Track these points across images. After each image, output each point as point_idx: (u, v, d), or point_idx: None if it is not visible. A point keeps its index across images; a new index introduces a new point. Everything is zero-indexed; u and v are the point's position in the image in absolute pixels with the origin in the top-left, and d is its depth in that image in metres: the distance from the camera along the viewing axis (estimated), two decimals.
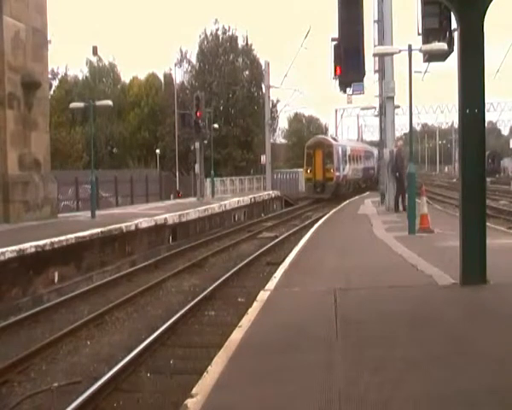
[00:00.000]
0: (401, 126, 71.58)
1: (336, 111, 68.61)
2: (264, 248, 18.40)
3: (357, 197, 36.01)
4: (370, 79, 27.96)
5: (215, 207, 26.82)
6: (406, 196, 17.60)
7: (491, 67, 38.79)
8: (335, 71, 13.62)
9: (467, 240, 8.32)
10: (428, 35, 13.26)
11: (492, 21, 11.70)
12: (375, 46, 21.49)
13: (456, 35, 10.96)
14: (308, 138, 47.99)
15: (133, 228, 17.82)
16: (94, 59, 58.86)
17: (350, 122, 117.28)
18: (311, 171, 41.17)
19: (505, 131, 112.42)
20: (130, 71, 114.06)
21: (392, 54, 18.50)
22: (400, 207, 20.56)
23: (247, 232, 23.98)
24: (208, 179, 38.19)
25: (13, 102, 18.81)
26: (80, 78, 60.36)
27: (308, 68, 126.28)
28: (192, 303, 10.97)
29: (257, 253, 17.36)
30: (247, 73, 55.30)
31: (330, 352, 5.80)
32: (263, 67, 48.88)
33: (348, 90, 24.09)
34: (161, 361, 8.17)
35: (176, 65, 53.24)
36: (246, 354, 5.97)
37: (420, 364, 5.38)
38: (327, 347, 5.95)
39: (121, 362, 7.63)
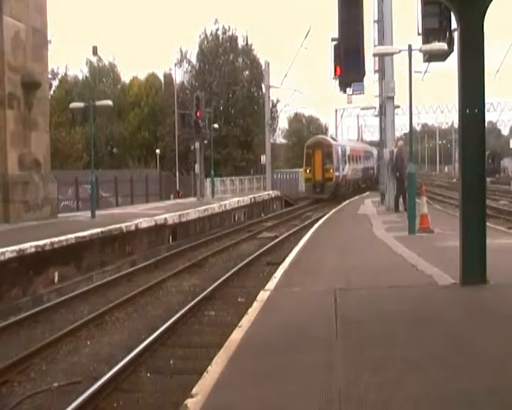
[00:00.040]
0: (401, 126, 71.66)
1: (336, 111, 68.68)
2: (264, 248, 18.39)
3: (357, 197, 36.01)
4: (370, 79, 28.00)
5: (215, 207, 26.82)
6: (407, 196, 17.59)
7: (491, 67, 38.81)
8: (335, 71, 13.62)
9: (467, 240, 8.32)
10: (428, 35, 13.26)
11: (492, 21, 11.71)
12: (375, 46, 21.49)
13: (456, 35, 10.96)
14: (308, 138, 47.95)
15: (133, 228, 17.82)
16: (94, 59, 58.97)
17: (350, 122, 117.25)
18: (311, 171, 41.07)
19: (505, 131, 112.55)
20: (130, 71, 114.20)
21: (392, 54, 18.50)
22: (401, 208, 20.53)
23: (247, 232, 23.98)
24: (208, 179, 38.20)
25: (13, 102, 18.81)
26: (80, 78, 60.46)
27: (308, 68, 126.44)
28: (192, 303, 10.97)
29: (257, 253, 17.36)
30: (247, 73, 55.30)
31: (330, 352, 5.80)
32: (263, 67, 48.88)
33: (348, 90, 24.09)
34: (161, 361, 8.17)
35: (176, 65, 53.32)
36: (246, 354, 5.97)
37: (420, 364, 5.38)
38: (327, 347, 5.95)
39: (121, 362, 7.63)
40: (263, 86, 49.30)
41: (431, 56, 14.40)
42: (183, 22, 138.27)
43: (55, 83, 55.03)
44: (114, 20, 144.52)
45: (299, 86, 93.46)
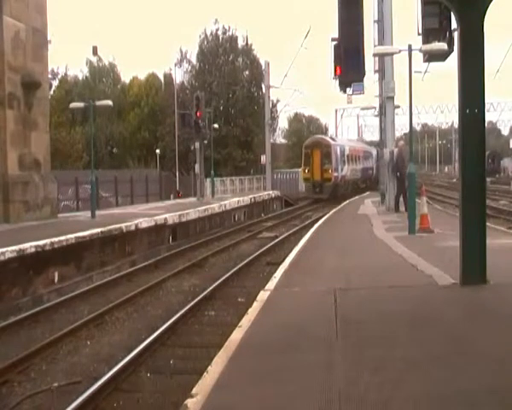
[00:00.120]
0: (401, 126, 71.69)
1: (336, 111, 68.74)
2: (264, 248, 18.39)
3: (357, 197, 36.00)
4: (370, 79, 28.00)
5: (215, 207, 26.82)
6: (407, 196, 17.59)
7: (491, 67, 38.81)
8: (335, 71, 13.62)
9: (467, 240, 8.32)
10: (428, 35, 13.26)
11: (492, 21, 11.71)
12: (375, 46, 21.49)
13: (456, 35, 10.96)
14: (308, 138, 47.91)
15: (133, 228, 17.82)
16: (94, 59, 58.99)
17: (350, 122, 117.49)
18: (309, 171, 40.91)
19: (505, 131, 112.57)
20: (130, 71, 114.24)
21: (392, 54, 18.50)
22: (401, 208, 20.50)
23: (247, 232, 23.98)
24: (208, 179, 38.20)
25: (13, 102, 18.81)
26: (80, 78, 60.48)
27: (308, 68, 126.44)
28: (192, 303, 10.97)
29: (257, 253, 17.36)
30: (247, 73, 55.31)
31: (330, 352, 5.80)
32: (263, 67, 48.88)
33: (348, 90, 24.10)
34: (161, 361, 8.17)
35: (176, 65, 53.34)
36: (246, 354, 5.97)
37: (420, 364, 5.38)
38: (327, 347, 5.95)
39: (121, 362, 7.64)
40: (263, 86, 49.30)
41: (431, 56, 14.40)
42: (183, 22, 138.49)
43: (55, 83, 55.06)
44: (114, 20, 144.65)
45: (299, 86, 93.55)
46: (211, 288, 12.24)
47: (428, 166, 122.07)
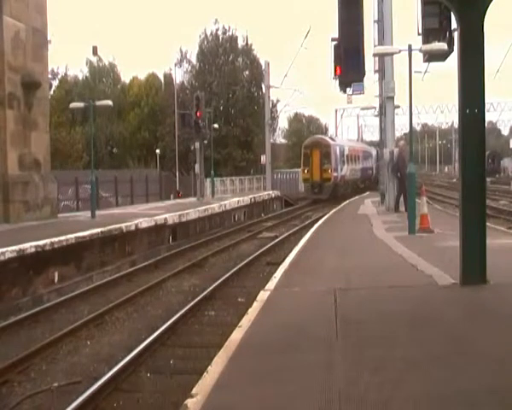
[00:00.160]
0: (401, 126, 71.67)
1: (336, 111, 68.65)
2: (264, 248, 18.40)
3: (357, 197, 36.00)
4: (370, 79, 28.00)
5: (215, 207, 26.82)
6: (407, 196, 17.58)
7: (491, 67, 38.81)
8: (335, 71, 13.62)
9: (467, 240, 8.32)
10: (428, 35, 13.26)
11: (492, 21, 11.71)
12: (375, 46, 21.49)
13: (456, 35, 10.96)
14: (307, 138, 47.86)
15: (133, 228, 17.82)
16: (94, 59, 58.98)
17: (350, 122, 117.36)
18: (309, 171, 40.76)
19: (505, 131, 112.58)
20: (130, 71, 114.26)
21: (392, 54, 18.50)
22: (401, 208, 20.49)
23: (247, 232, 23.98)
24: (208, 179, 38.20)
25: (13, 102, 18.81)
26: (80, 78, 60.50)
27: (308, 68, 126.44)
28: (192, 303, 10.97)
29: (257, 253, 17.36)
30: (247, 73, 55.31)
31: (330, 352, 5.80)
32: (263, 67, 48.88)
33: (348, 90, 24.10)
34: (161, 361, 8.17)
35: (176, 65, 53.34)
36: (246, 354, 5.97)
37: (420, 364, 5.38)
38: (327, 347, 5.95)
39: (121, 362, 7.64)
40: (263, 86, 49.30)
41: (431, 56, 14.40)
42: (183, 22, 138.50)
43: (55, 83, 55.06)
44: (114, 20, 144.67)
45: (299, 86, 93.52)
46: (211, 288, 12.24)
47: (428, 166, 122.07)
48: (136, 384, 7.37)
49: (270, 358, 5.77)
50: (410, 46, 14.82)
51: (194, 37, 73.36)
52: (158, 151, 51.80)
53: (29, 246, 12.73)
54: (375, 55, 19.41)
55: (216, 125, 41.48)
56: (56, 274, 13.60)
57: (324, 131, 76.05)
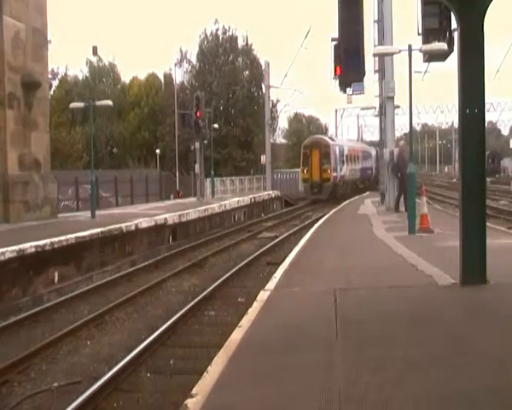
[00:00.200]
0: (401, 126, 71.66)
1: (336, 111, 68.67)
2: (264, 248, 18.40)
3: (357, 197, 36.00)
4: (370, 79, 27.99)
5: (215, 207, 26.82)
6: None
7: (491, 67, 38.81)
8: (335, 71, 13.62)
9: (467, 240, 8.32)
10: (428, 35, 13.26)
11: (492, 21, 11.71)
12: (375, 46, 21.49)
13: (456, 35, 10.96)
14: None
15: (133, 228, 17.82)
16: (94, 59, 59.00)
17: (350, 122, 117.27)
18: (308, 171, 40.59)
19: (505, 131, 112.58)
20: (130, 71, 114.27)
21: (392, 54, 18.50)
22: (402, 208, 20.47)
23: (247, 232, 23.98)
24: (208, 179, 38.19)
25: (13, 102, 18.81)
26: (80, 78, 60.51)
27: (308, 68, 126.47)
28: (192, 303, 10.97)
29: (257, 253, 17.36)
30: (247, 73, 55.32)
31: (330, 352, 5.80)
32: (263, 67, 48.88)
33: (348, 90, 24.10)
34: (161, 361, 8.17)
35: (176, 65, 53.35)
36: (246, 354, 5.97)
37: (420, 364, 5.38)
38: (327, 347, 5.95)
39: (121, 362, 7.64)
40: (263, 86, 49.30)
41: (431, 56, 14.40)
42: (183, 22, 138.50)
43: (55, 83, 55.07)
44: (114, 20, 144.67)
45: (299, 86, 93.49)
46: (211, 288, 12.24)
47: (428, 166, 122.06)
48: (136, 384, 7.37)
49: (270, 358, 5.77)
50: (410, 46, 14.82)
51: (194, 37, 73.47)
52: (158, 151, 51.81)
53: (29, 246, 12.73)
54: (375, 55, 19.41)
55: (216, 125, 41.47)
56: (56, 274, 13.60)
57: (324, 131, 76.10)
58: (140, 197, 36.68)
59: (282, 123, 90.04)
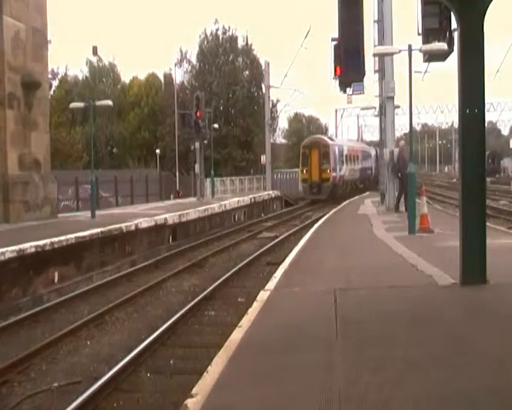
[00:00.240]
0: (401, 126, 71.66)
1: (336, 111, 68.68)
2: (264, 248, 18.40)
3: (356, 197, 36.01)
4: (370, 79, 27.98)
5: (215, 207, 26.82)
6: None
7: (491, 67, 38.80)
8: (335, 71, 13.62)
9: (467, 240, 8.32)
10: (428, 35, 13.26)
11: (492, 21, 11.71)
12: (375, 46, 21.49)
13: (456, 35, 10.96)
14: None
15: (133, 228, 17.82)
16: (94, 59, 58.99)
17: (350, 122, 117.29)
18: (307, 171, 40.42)
19: (505, 131, 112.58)
20: (130, 71, 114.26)
21: (392, 54, 18.50)
22: (402, 208, 20.45)
23: (247, 232, 23.98)
24: (208, 179, 38.19)
25: (13, 102, 18.81)
26: (80, 78, 60.50)
27: (308, 68, 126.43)
28: (192, 303, 10.97)
29: (257, 253, 17.36)
30: (247, 73, 55.31)
31: (330, 352, 5.80)
32: (263, 67, 48.88)
33: (348, 90, 24.10)
34: (161, 361, 8.17)
35: (176, 65, 53.34)
36: (246, 354, 5.98)
37: (420, 364, 5.38)
38: (327, 347, 5.96)
39: (121, 362, 7.64)
40: (263, 86, 49.29)
41: (431, 56, 14.40)
42: (183, 22, 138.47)
43: (55, 83, 55.06)
44: (114, 20, 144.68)
45: (299, 86, 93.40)
46: (211, 288, 12.24)
47: (428, 166, 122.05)
48: (136, 384, 7.37)
49: (270, 358, 5.77)
50: (410, 46, 14.83)
51: (194, 37, 73.46)
52: (158, 151, 51.81)
53: (29, 246, 12.73)
54: (375, 55, 19.41)
55: (216, 125, 41.46)
56: (56, 274, 13.60)
57: (324, 131, 76.09)
58: (140, 197, 36.68)
59: (282, 123, 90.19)
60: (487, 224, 9.21)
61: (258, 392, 4.91)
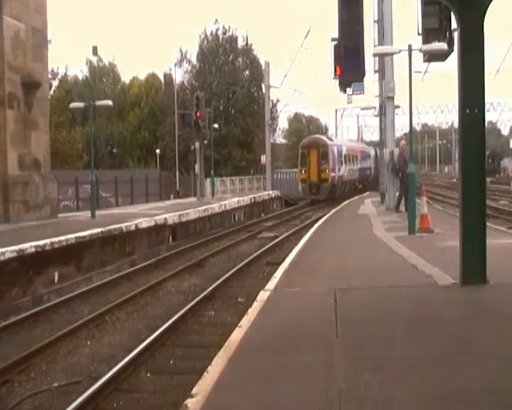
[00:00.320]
0: (401, 126, 71.75)
1: (336, 111, 68.66)
2: (265, 248, 18.39)
3: (356, 197, 36.01)
4: (370, 79, 27.99)
5: (215, 207, 26.82)
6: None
7: (491, 67, 38.81)
8: (335, 71, 13.63)
9: (467, 240, 8.32)
10: (428, 35, 13.27)
11: (492, 21, 11.71)
12: (375, 46, 21.50)
13: (456, 35, 10.96)
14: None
15: (133, 228, 17.82)
16: (94, 59, 59.02)
17: (350, 122, 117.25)
18: (306, 171, 40.22)
19: (505, 131, 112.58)
20: (130, 71, 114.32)
21: (392, 54, 18.50)
22: (402, 208, 20.45)
23: (247, 232, 23.98)
24: (208, 179, 38.18)
25: (13, 102, 18.80)
26: (80, 78, 60.55)
27: (308, 68, 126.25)
28: (192, 303, 10.97)
29: (257, 253, 17.36)
30: (247, 73, 55.30)
31: (330, 352, 5.80)
32: (263, 67, 48.88)
33: (348, 90, 24.16)
34: (161, 361, 8.17)
35: (176, 65, 53.34)
36: (246, 354, 5.98)
37: (420, 364, 5.38)
38: (327, 347, 5.96)
39: (121, 362, 7.64)
40: (263, 86, 49.28)
41: (431, 56, 14.40)
42: (183, 22, 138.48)
43: (55, 83, 55.08)
44: (114, 20, 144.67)
45: (299, 86, 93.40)
46: (211, 288, 12.24)
47: (428, 166, 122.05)
48: (136, 384, 7.37)
49: (270, 358, 5.77)
50: (410, 46, 14.83)
51: (194, 37, 73.50)
52: (158, 151, 51.81)
53: (29, 246, 12.72)
54: (375, 55, 19.41)
55: (216, 125, 41.42)
56: (56, 274, 13.60)
57: (324, 131, 76.10)
58: (140, 197, 36.66)
59: (282, 123, 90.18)
60: (487, 224, 9.22)
61: (258, 392, 4.91)
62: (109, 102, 24.94)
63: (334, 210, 26.84)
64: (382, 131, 24.58)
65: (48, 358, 8.45)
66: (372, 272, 10.04)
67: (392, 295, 8.30)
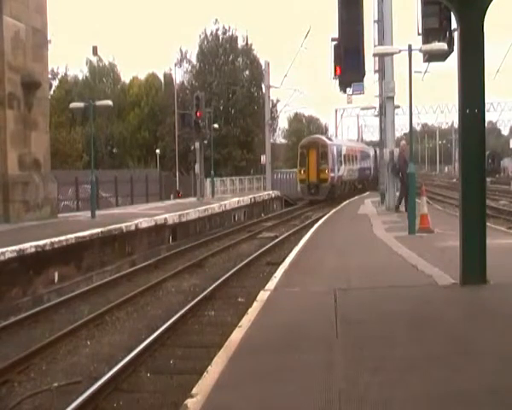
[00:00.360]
0: (401, 126, 71.72)
1: (336, 111, 68.66)
2: (265, 248, 18.39)
3: (356, 197, 36.00)
4: (370, 79, 27.98)
5: (215, 207, 26.82)
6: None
7: (491, 67, 38.81)
8: (335, 71, 13.63)
9: (467, 240, 8.32)
10: (428, 35, 13.27)
11: (492, 21, 11.71)
12: (375, 46, 21.50)
13: (456, 35, 10.96)
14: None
15: (133, 228, 17.82)
16: (94, 59, 59.02)
17: (350, 122, 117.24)
18: (305, 172, 40.04)
19: (505, 131, 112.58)
20: (130, 71, 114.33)
21: (392, 54, 18.50)
22: (402, 208, 20.44)
23: (247, 232, 23.98)
24: (208, 179, 38.18)
25: (13, 102, 18.80)
26: (80, 78, 60.55)
27: (308, 68, 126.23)
28: (192, 303, 10.97)
29: (257, 253, 17.36)
30: (247, 73, 55.30)
31: (330, 352, 5.80)
32: (263, 67, 48.88)
33: (348, 90, 24.16)
34: (161, 361, 8.17)
35: (176, 65, 53.35)
36: (246, 354, 5.98)
37: (420, 364, 5.38)
38: (327, 347, 5.96)
39: (121, 362, 7.64)
40: (263, 86, 49.28)
41: (431, 56, 14.40)
42: (183, 22, 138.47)
43: (55, 83, 55.07)
44: (114, 20, 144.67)
45: (299, 86, 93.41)
46: (211, 288, 12.24)
47: (428, 166, 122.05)
48: (136, 384, 7.37)
49: (270, 358, 5.77)
50: (410, 46, 14.83)
51: (194, 37, 73.53)
52: (158, 151, 51.81)
53: (29, 246, 12.72)
54: (375, 55, 19.41)
55: (216, 125, 41.40)
56: (56, 274, 13.60)
57: (324, 131, 76.10)
58: (140, 197, 36.65)
59: (282, 123, 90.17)
60: (487, 224, 9.22)
61: (258, 392, 4.91)
62: (109, 102, 24.94)
63: (334, 210, 26.84)
64: (382, 131, 24.57)
65: (48, 358, 8.45)
66: (372, 272, 10.04)
67: (392, 295, 8.30)
